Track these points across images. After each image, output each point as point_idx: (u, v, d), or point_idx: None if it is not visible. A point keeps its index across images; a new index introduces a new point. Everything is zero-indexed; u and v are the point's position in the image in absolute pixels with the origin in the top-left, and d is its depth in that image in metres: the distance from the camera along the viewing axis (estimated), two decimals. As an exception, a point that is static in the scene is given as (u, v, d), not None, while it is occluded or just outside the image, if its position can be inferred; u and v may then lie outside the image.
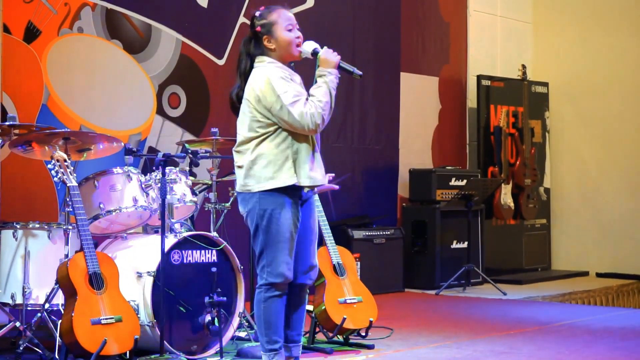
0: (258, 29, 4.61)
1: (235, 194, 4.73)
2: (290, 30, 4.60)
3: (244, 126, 4.57)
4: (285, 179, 4.48)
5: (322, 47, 4.65)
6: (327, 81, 4.53)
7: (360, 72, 4.60)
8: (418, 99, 10.22)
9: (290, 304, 4.70)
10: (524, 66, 10.76)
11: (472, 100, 10.77)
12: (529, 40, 11.63)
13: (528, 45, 11.62)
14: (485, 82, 10.57)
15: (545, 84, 11.32)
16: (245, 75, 4.63)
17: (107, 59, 7.48)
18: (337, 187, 5.28)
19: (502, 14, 11.29)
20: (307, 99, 4.49)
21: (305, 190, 4.58)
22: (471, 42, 10.88)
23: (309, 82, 4.66)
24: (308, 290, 4.81)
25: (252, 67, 4.63)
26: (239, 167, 4.58)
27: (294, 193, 4.55)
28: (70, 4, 7.20)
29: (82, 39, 7.30)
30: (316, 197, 5.11)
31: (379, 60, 9.69)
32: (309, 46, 4.63)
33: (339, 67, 4.60)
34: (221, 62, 8.26)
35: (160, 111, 7.80)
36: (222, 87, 8.21)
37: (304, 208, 4.66)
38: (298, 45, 4.62)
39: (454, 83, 10.70)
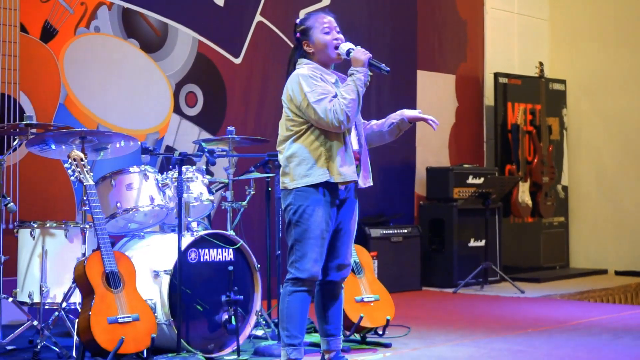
0: (298, 35, 4.77)
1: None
2: (327, 33, 4.72)
3: (282, 126, 4.72)
4: (318, 176, 4.59)
5: (356, 47, 4.73)
6: (354, 79, 4.63)
7: (388, 68, 4.69)
8: (435, 97, 10.20)
9: (325, 300, 4.83)
10: (541, 63, 10.72)
11: (489, 98, 10.74)
12: (546, 38, 11.59)
13: (545, 42, 11.59)
14: (502, 80, 10.54)
15: (563, 81, 11.28)
16: None
17: (123, 58, 7.50)
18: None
19: (519, 11, 11.26)
20: (334, 97, 4.57)
21: (340, 187, 4.64)
22: (488, 40, 10.86)
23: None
24: (342, 287, 4.90)
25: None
26: (279, 166, 4.74)
27: (330, 192, 4.64)
28: (86, 3, 7.22)
29: (98, 38, 7.32)
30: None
31: (396, 58, 9.66)
32: (344, 47, 4.73)
33: (370, 65, 4.67)
34: (238, 61, 8.27)
35: (177, 110, 7.82)
36: (238, 86, 8.23)
37: (343, 208, 4.75)
38: (336, 47, 4.71)
39: (471, 81, 10.67)
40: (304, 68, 4.67)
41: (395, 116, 4.96)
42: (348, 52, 4.69)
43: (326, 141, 4.61)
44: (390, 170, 9.57)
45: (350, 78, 4.64)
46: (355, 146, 4.76)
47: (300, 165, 4.61)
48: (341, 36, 4.76)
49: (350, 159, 4.66)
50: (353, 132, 4.76)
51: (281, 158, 4.70)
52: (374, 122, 5.04)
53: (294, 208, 4.62)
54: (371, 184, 4.85)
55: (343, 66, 4.76)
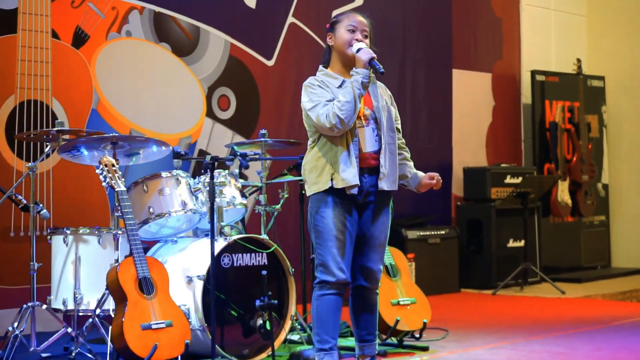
0: (327, 25, 4.81)
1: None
2: (349, 31, 4.70)
3: None
4: (324, 183, 4.61)
5: (364, 48, 4.66)
6: (352, 81, 4.59)
7: (383, 70, 4.59)
8: (471, 96, 10.11)
9: (356, 305, 4.81)
10: (579, 60, 10.59)
11: (526, 96, 10.63)
12: (583, 34, 11.45)
13: (583, 38, 11.45)
14: (539, 78, 10.42)
15: (602, 78, 11.14)
16: None
17: (155, 62, 7.48)
18: None
19: (555, 7, 11.14)
20: (329, 101, 4.56)
21: (347, 192, 4.58)
22: (524, 37, 10.75)
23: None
24: (377, 293, 4.85)
25: None
26: None
27: (341, 196, 4.61)
28: (118, 8, 7.21)
29: (130, 43, 7.31)
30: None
31: (431, 58, 9.59)
32: (356, 46, 4.65)
33: (371, 65, 4.59)
34: (270, 63, 8.22)
35: (210, 114, 7.79)
36: (271, 88, 8.19)
37: (365, 213, 4.71)
38: (350, 45, 4.67)
39: (507, 79, 10.57)
40: (310, 78, 4.73)
41: (417, 186, 4.98)
42: (358, 52, 4.62)
43: (332, 147, 4.60)
44: (426, 171, 9.44)
45: (349, 80, 4.59)
46: (371, 147, 4.67)
47: (311, 173, 4.66)
48: (366, 40, 4.69)
49: (351, 163, 4.58)
50: (369, 133, 4.66)
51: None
52: (410, 165, 4.98)
53: (309, 213, 4.69)
54: (395, 188, 4.77)
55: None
